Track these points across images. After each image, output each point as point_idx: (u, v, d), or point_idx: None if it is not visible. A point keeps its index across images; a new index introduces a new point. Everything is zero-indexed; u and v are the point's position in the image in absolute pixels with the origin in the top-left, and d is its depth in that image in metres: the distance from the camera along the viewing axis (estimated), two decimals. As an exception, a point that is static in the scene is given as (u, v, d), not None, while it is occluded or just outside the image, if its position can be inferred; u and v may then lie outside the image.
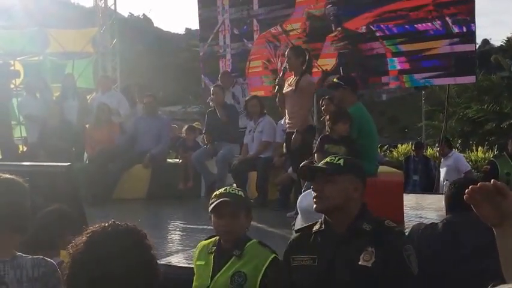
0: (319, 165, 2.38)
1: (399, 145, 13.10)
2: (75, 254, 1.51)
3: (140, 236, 1.58)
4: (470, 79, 7.82)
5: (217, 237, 2.63)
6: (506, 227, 1.50)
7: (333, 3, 8.10)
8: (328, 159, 2.37)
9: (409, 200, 6.86)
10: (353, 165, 2.36)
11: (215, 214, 2.55)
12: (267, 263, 2.45)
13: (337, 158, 2.36)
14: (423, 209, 6.37)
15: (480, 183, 1.53)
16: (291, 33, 8.53)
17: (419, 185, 9.58)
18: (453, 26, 6.99)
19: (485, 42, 40.56)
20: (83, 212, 3.81)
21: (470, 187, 1.53)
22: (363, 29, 7.74)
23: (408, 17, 7.36)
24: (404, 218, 5.27)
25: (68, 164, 4.63)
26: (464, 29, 6.94)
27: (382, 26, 7.57)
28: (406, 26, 7.40)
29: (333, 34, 8.09)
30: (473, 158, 11.61)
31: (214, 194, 2.63)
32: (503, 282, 1.47)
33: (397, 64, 7.49)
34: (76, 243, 1.53)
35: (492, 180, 1.53)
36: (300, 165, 2.54)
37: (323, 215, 2.34)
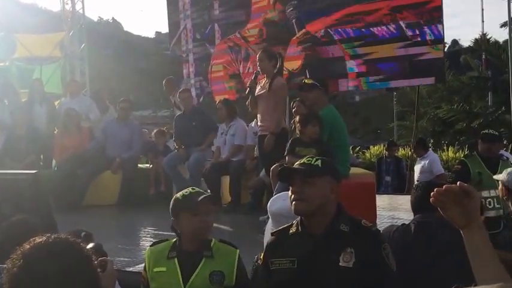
0: (296, 166, 2.35)
1: (371, 146, 13.20)
2: (10, 270, 1.38)
3: (83, 253, 1.45)
4: (428, 81, 7.90)
5: (172, 241, 2.58)
6: (473, 228, 1.51)
7: (294, 6, 8.08)
8: (305, 160, 2.35)
9: (382, 201, 6.91)
10: (330, 166, 2.37)
11: (192, 211, 2.50)
12: (236, 259, 2.53)
13: (314, 159, 2.34)
14: (396, 209, 6.42)
15: (446, 186, 1.53)
16: (250, 39, 8.52)
17: (392, 185, 9.66)
18: (407, 29, 7.03)
19: (455, 42, 41.31)
20: (52, 220, 3.71)
21: (436, 190, 1.53)
22: (322, 32, 7.74)
23: (364, 21, 7.36)
24: (378, 219, 5.29)
25: (35, 171, 4.52)
26: (417, 32, 6.97)
27: (340, 29, 7.57)
28: (363, 30, 7.41)
29: (296, 37, 8.07)
30: (444, 157, 11.76)
31: (181, 194, 2.54)
32: (471, 281, 1.46)
33: (355, 67, 7.51)
34: (13, 259, 1.40)
35: (458, 182, 1.53)
36: (273, 167, 2.51)
37: (298, 217, 2.32)
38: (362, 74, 7.55)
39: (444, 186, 1.53)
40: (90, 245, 2.62)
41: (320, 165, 2.29)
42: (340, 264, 2.15)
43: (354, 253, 2.15)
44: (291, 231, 2.34)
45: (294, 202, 2.27)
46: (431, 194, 1.53)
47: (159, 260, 2.55)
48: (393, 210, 6.40)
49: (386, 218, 5.69)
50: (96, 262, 1.49)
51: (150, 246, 2.66)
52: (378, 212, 5.54)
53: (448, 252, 2.55)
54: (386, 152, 10.18)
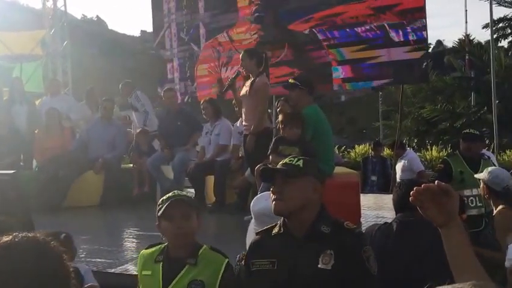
0: (278, 166, 2.32)
1: (356, 146, 13.23)
2: None
3: (54, 252, 1.39)
4: (410, 80, 7.95)
5: (163, 245, 2.52)
6: (452, 227, 1.52)
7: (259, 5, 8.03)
8: (287, 160, 2.32)
9: (367, 200, 6.92)
10: (312, 166, 2.33)
11: (166, 217, 2.44)
12: (222, 269, 2.41)
13: (295, 158, 2.31)
14: (381, 209, 6.43)
15: (425, 185, 1.54)
16: (244, 42, 8.32)
17: (377, 185, 9.68)
18: (390, 29, 7.02)
19: (439, 43, 41.71)
20: (30, 220, 3.65)
21: (415, 189, 1.54)
22: (307, 31, 7.67)
23: (349, 21, 7.33)
24: (362, 218, 5.30)
25: (14, 171, 4.45)
26: (400, 33, 6.98)
27: (324, 29, 7.52)
28: (347, 30, 7.37)
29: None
30: (428, 157, 11.85)
31: (160, 200, 2.52)
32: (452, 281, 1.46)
33: (339, 68, 7.49)
34: None
35: (436, 181, 1.55)
36: (257, 167, 2.48)
37: (281, 218, 2.29)
38: (348, 80, 7.58)
39: (423, 185, 1.54)
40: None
41: (301, 165, 2.26)
42: (319, 266, 2.12)
43: (334, 255, 2.13)
44: (273, 231, 2.31)
45: (274, 202, 2.25)
46: (411, 193, 1.54)
47: (148, 263, 2.51)
48: (378, 209, 6.41)
49: (371, 217, 5.69)
50: (69, 263, 1.43)
51: (145, 248, 2.61)
52: (362, 211, 5.55)
53: (429, 251, 2.54)
54: (372, 152, 10.21)
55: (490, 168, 4.13)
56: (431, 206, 1.53)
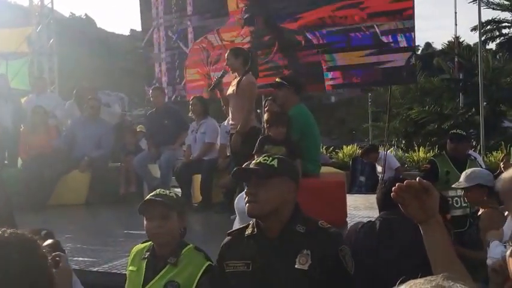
0: (252, 166, 2.23)
1: (344, 146, 13.24)
2: None
3: (35, 249, 1.36)
4: (402, 80, 7.96)
5: (151, 242, 2.52)
6: (432, 224, 1.55)
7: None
8: (261, 159, 2.23)
9: (355, 200, 6.91)
10: (287, 166, 2.25)
11: (146, 217, 2.46)
12: (200, 272, 2.37)
13: (270, 158, 2.22)
14: (367, 209, 6.41)
15: (407, 181, 1.56)
16: (227, 39, 8.24)
17: (365, 185, 9.68)
18: (382, 36, 7.02)
19: (428, 45, 42.07)
20: (11, 217, 3.60)
21: (397, 185, 1.56)
22: (296, 30, 7.63)
23: (340, 25, 7.29)
24: (348, 218, 5.29)
25: (-6, 168, 4.39)
26: (391, 39, 6.97)
27: (316, 32, 7.49)
28: (339, 34, 7.32)
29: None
30: (415, 158, 11.88)
31: (145, 198, 2.53)
32: None
33: (330, 73, 7.45)
34: None
35: (417, 178, 1.57)
36: (234, 169, 2.41)
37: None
38: (339, 86, 7.65)
39: (405, 182, 1.56)
40: (48, 242, 2.54)
41: (276, 165, 2.17)
42: (296, 266, 2.08)
43: (310, 255, 2.08)
44: (246, 232, 2.24)
45: (247, 204, 2.17)
46: (393, 189, 1.55)
47: (136, 259, 2.53)
48: (365, 209, 6.39)
49: (357, 218, 5.67)
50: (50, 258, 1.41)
51: (142, 243, 2.61)
52: (349, 212, 5.54)
53: (411, 249, 2.53)
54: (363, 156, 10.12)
55: (468, 171, 4.14)
56: (412, 203, 1.54)
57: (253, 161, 2.26)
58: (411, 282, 1.00)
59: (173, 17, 8.78)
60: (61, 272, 1.81)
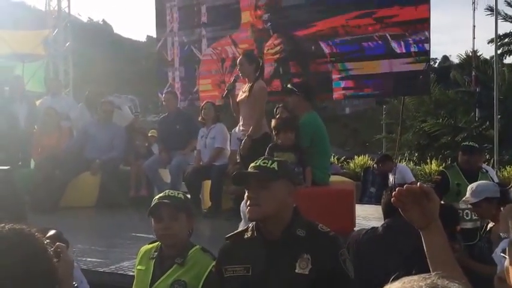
0: (252, 169, 2.21)
1: (356, 157, 13.19)
2: None
3: (38, 244, 1.37)
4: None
5: (159, 243, 2.57)
6: (432, 229, 1.55)
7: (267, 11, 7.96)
8: (260, 162, 2.21)
9: (363, 210, 6.88)
10: (287, 169, 2.26)
11: (154, 218, 2.51)
12: (207, 271, 2.41)
13: (270, 161, 2.21)
14: (376, 219, 6.37)
15: (406, 186, 1.55)
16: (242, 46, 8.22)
17: (375, 196, 9.60)
18: (392, 41, 6.97)
19: (445, 58, 41.99)
20: (24, 217, 3.63)
21: (397, 190, 1.55)
22: (309, 38, 7.63)
23: (352, 33, 7.26)
24: (356, 228, 5.24)
25: (8, 167, 4.43)
26: (402, 44, 6.93)
27: (329, 41, 7.47)
28: (352, 43, 7.29)
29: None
30: (427, 170, 11.81)
31: (153, 199, 2.55)
32: None
33: (341, 82, 7.44)
34: None
35: (418, 183, 1.56)
36: (233, 172, 2.40)
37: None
38: (351, 96, 7.64)
39: (405, 187, 1.55)
40: (50, 233, 2.56)
41: (276, 168, 2.17)
42: (297, 271, 2.06)
43: (311, 259, 2.06)
44: (246, 236, 2.23)
45: (248, 208, 2.16)
46: (393, 194, 1.55)
47: (144, 258, 2.58)
48: (374, 219, 6.35)
49: (365, 227, 5.65)
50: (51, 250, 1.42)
51: (149, 243, 2.66)
52: (358, 221, 5.51)
53: (414, 254, 2.51)
54: (376, 166, 10.05)
55: (473, 185, 4.12)
56: (412, 208, 1.54)
57: (252, 164, 2.23)
58: (405, 278, 0.99)
59: (187, 26, 8.84)
60: (62, 262, 1.83)
